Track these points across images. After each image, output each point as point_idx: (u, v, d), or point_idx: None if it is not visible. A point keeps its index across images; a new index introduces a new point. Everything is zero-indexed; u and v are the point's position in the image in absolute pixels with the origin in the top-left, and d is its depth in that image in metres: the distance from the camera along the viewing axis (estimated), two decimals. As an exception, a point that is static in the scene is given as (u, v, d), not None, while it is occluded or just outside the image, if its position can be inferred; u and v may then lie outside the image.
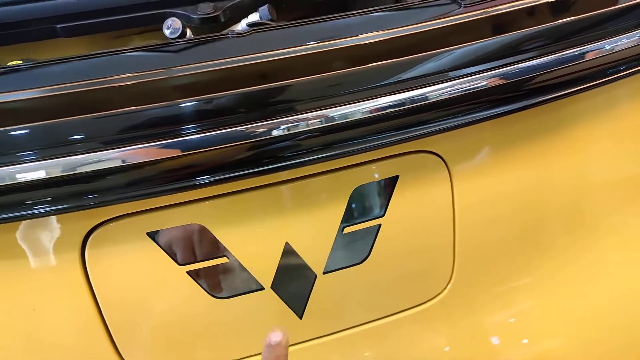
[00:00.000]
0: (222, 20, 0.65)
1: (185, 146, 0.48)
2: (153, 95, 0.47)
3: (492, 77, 0.55)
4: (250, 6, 0.67)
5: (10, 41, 0.63)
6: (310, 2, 0.71)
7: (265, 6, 0.66)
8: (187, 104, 0.47)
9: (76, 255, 0.55)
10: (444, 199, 0.63)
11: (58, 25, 0.62)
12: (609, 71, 0.57)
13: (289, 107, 0.51)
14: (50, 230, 0.54)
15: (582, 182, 0.69)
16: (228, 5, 0.64)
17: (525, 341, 0.73)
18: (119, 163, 0.48)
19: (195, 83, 0.48)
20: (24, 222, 0.53)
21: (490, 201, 0.66)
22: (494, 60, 0.55)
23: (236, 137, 0.49)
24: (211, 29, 0.67)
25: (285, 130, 0.50)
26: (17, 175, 0.47)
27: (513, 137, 0.63)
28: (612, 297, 0.74)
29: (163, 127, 0.47)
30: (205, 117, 0.48)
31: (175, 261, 0.57)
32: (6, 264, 0.55)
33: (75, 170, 0.47)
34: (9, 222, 0.52)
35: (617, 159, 0.71)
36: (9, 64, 0.61)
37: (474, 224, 0.65)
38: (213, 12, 0.64)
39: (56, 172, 0.47)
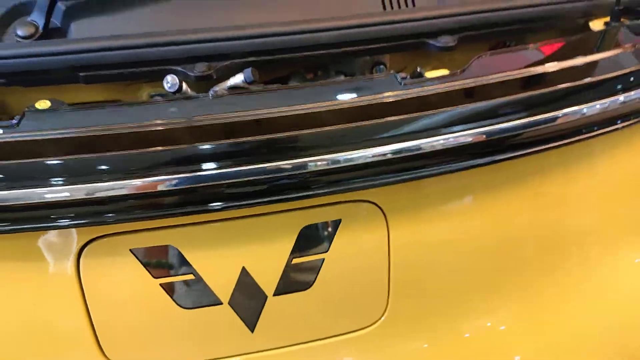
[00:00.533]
0: (215, 77, 0.79)
1: (164, 184, 0.62)
2: (132, 143, 0.62)
3: (420, 146, 0.67)
4: (238, 67, 0.81)
5: (40, 83, 0.79)
6: (286, 67, 0.85)
7: (249, 69, 0.80)
8: (159, 152, 0.61)
9: (73, 262, 0.68)
10: (380, 241, 0.75)
11: (81, 74, 0.77)
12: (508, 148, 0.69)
13: (249, 159, 0.64)
14: (55, 241, 0.68)
15: (500, 235, 0.80)
16: (220, 66, 0.78)
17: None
18: (116, 193, 0.62)
19: (168, 134, 0.62)
20: (36, 233, 0.67)
21: (423, 245, 0.77)
22: (420, 132, 0.67)
23: (207, 179, 0.63)
24: (205, 84, 0.82)
25: (246, 177, 0.64)
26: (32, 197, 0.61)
27: (442, 194, 0.76)
28: (543, 332, 0.85)
29: (146, 169, 0.61)
30: (177, 163, 0.62)
31: (151, 274, 0.70)
32: (19, 264, 0.69)
33: (83, 196, 0.61)
34: (28, 231, 0.66)
35: (533, 219, 0.82)
36: (38, 102, 0.76)
37: (407, 263, 0.77)
38: (207, 71, 0.78)
39: (71, 196, 0.61)
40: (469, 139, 0.66)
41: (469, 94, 0.69)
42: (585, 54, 0.77)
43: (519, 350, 0.85)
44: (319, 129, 0.66)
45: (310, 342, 0.78)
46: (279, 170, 0.64)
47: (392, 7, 0.89)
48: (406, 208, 0.75)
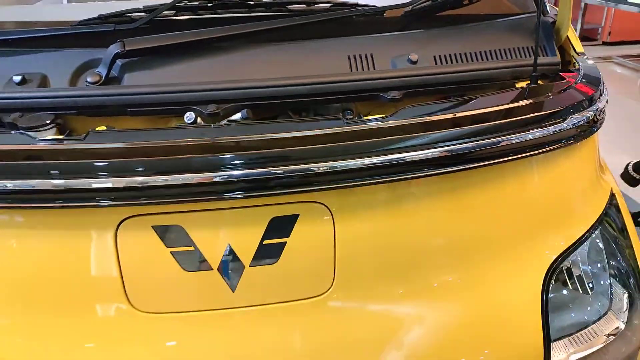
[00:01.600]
0: (221, 115, 1.11)
1: (176, 180, 0.93)
2: (156, 152, 0.94)
3: (350, 164, 0.97)
4: (238, 108, 1.13)
5: (100, 115, 1.12)
6: (272, 109, 1.17)
7: (245, 110, 1.13)
8: (174, 159, 0.93)
9: (112, 232, 1.00)
10: (328, 232, 1.04)
11: (128, 109, 1.10)
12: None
13: (236, 167, 0.95)
14: (102, 217, 1.00)
15: (413, 229, 1.09)
16: (225, 107, 1.11)
17: (392, 328, 1.11)
18: (142, 185, 0.93)
19: (181, 149, 0.94)
20: (90, 210, 0.99)
21: (361, 235, 1.06)
22: (353, 154, 0.97)
23: (205, 178, 0.94)
24: (213, 119, 1.14)
25: (228, 178, 0.95)
26: (93, 184, 0.93)
27: (372, 199, 1.05)
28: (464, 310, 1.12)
29: (164, 171, 0.93)
30: (186, 169, 0.93)
31: (165, 245, 1.01)
32: (74, 232, 1.01)
33: (123, 185, 0.93)
34: (82, 207, 0.98)
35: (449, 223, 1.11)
36: (97, 127, 1.09)
37: (348, 249, 1.06)
38: (216, 110, 1.10)
39: (115, 185, 0.93)
40: (387, 162, 0.96)
41: (390, 131, 0.99)
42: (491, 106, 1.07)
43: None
44: (284, 149, 0.97)
45: (278, 303, 1.07)
46: (256, 174, 0.95)
47: (357, 69, 1.21)
48: (347, 208, 1.05)
